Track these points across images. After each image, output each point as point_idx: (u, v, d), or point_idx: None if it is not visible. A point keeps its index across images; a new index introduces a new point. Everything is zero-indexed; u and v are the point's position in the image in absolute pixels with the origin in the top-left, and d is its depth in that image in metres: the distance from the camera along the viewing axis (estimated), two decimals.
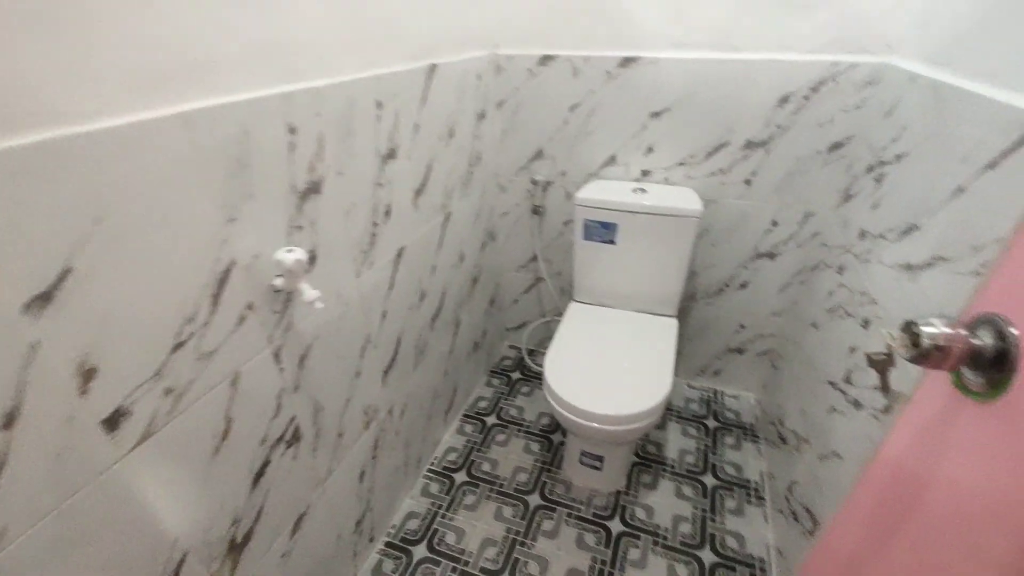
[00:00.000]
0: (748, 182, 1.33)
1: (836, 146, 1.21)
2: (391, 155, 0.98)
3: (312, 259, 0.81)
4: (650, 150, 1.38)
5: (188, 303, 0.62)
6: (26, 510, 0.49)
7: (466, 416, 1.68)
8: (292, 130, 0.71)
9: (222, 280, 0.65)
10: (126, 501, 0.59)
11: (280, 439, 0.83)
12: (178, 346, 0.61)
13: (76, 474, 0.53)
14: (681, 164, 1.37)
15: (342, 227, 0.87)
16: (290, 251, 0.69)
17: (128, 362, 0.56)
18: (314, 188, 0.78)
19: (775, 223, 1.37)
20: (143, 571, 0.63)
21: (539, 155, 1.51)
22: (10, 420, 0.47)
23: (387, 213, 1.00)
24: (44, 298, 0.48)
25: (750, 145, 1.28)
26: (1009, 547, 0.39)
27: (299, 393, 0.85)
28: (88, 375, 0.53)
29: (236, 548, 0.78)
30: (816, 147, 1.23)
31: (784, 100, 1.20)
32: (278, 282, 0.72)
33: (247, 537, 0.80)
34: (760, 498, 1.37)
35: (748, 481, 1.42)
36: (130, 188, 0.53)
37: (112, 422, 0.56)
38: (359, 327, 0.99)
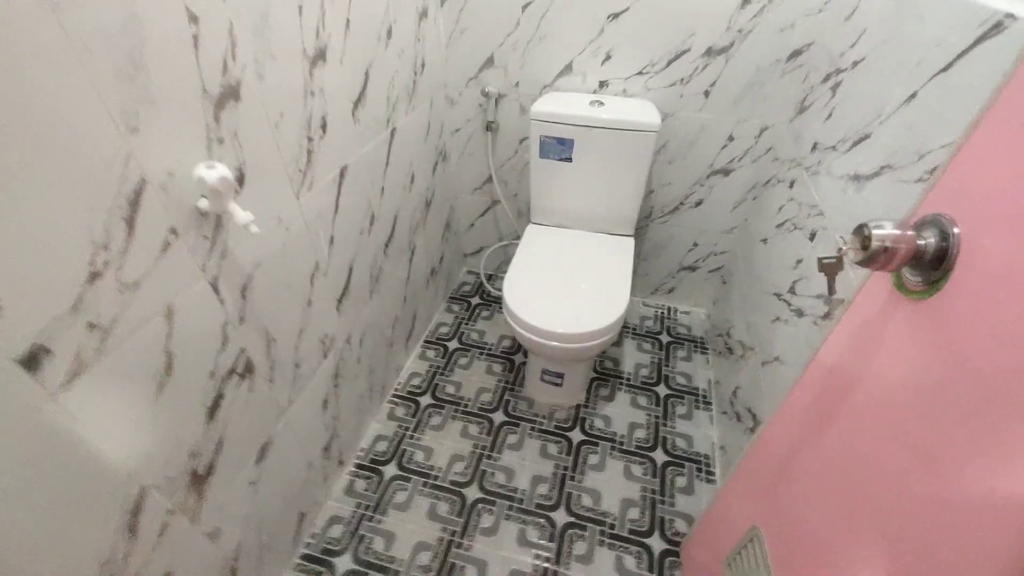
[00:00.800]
0: (707, 93, 1.29)
1: (795, 54, 1.18)
2: (320, 57, 0.86)
3: (240, 178, 0.73)
4: (608, 57, 1.30)
5: (97, 228, 0.54)
6: None
7: (428, 342, 1.69)
8: (193, 18, 0.60)
9: (133, 201, 0.57)
10: (63, 441, 0.55)
11: (231, 372, 0.80)
12: (94, 276, 0.55)
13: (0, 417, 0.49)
14: (640, 73, 1.31)
15: (271, 141, 0.78)
16: (211, 167, 0.61)
17: (35, 295, 0.50)
18: (231, 93, 0.68)
19: (731, 138, 1.35)
20: (101, 508, 0.61)
21: (490, 63, 1.39)
22: None
23: (323, 127, 0.91)
24: None
25: (711, 52, 1.22)
26: (927, 428, 0.43)
27: (246, 325, 0.81)
28: None
29: (199, 479, 0.77)
30: (776, 55, 1.19)
31: (747, 0, 1.13)
32: (203, 204, 0.64)
33: (209, 469, 0.79)
34: (707, 403, 1.48)
35: (697, 389, 1.53)
36: None
37: (32, 361, 0.51)
38: (305, 254, 0.94)
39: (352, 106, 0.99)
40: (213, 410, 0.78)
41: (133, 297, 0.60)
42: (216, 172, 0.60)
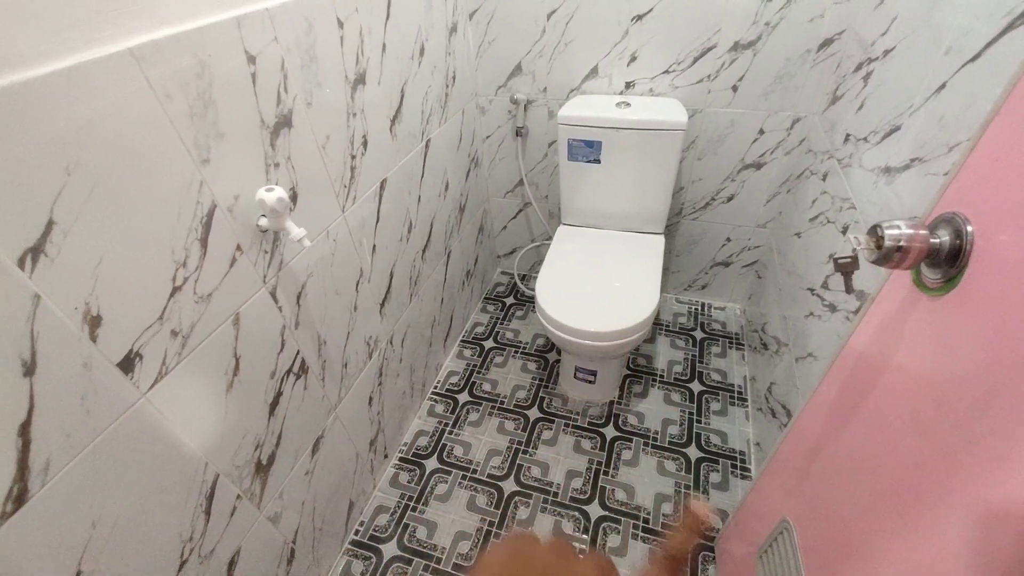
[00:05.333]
0: (735, 88, 1.29)
1: (826, 43, 1.16)
2: (360, 80, 0.93)
3: (294, 197, 0.81)
4: (633, 59, 1.32)
5: (178, 248, 0.63)
6: (64, 445, 0.53)
7: (464, 342, 1.75)
8: (251, 59, 0.68)
9: (207, 223, 0.65)
10: (154, 434, 0.64)
11: (289, 371, 0.88)
12: (176, 290, 0.63)
13: (103, 413, 0.57)
14: (666, 72, 1.32)
15: (319, 162, 0.86)
16: (270, 190, 0.68)
17: (131, 308, 0.59)
18: (284, 122, 0.76)
19: (762, 131, 1.34)
20: (183, 492, 0.70)
21: (518, 70, 1.43)
22: (30, 368, 0.50)
23: (364, 144, 0.98)
24: (35, 251, 0.49)
25: (737, 47, 1.22)
26: (941, 418, 0.44)
27: (301, 329, 0.89)
28: (95, 323, 0.55)
29: (263, 468, 0.86)
30: (806, 45, 1.18)
31: None
32: (263, 222, 0.72)
33: (271, 459, 0.88)
34: (743, 400, 1.48)
35: (732, 385, 1.52)
36: (95, 134, 0.52)
37: (127, 364, 0.59)
38: (351, 262, 1.01)
39: (390, 123, 1.06)
40: (274, 406, 0.86)
41: (207, 307, 0.68)
42: (274, 194, 0.68)
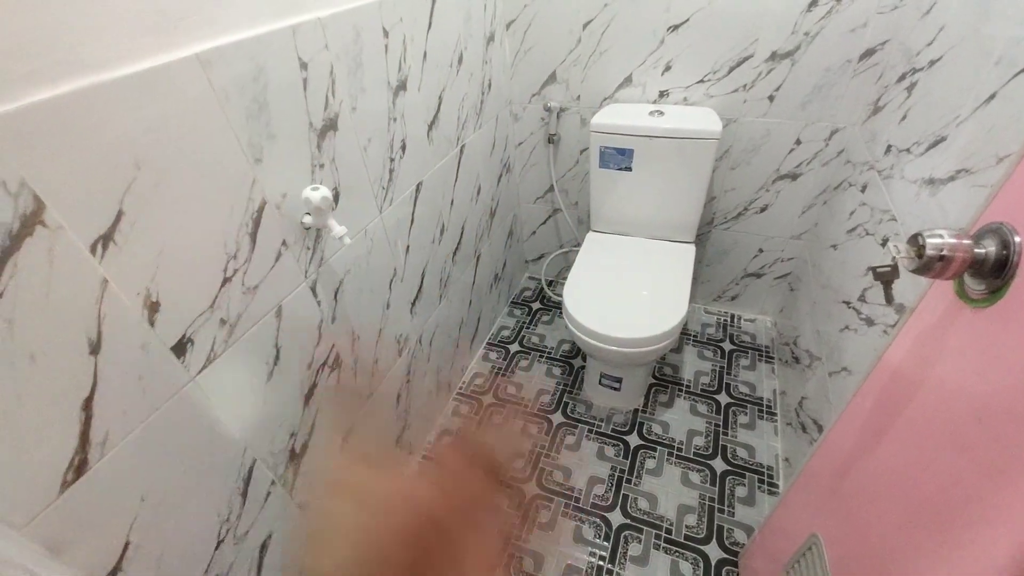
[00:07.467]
0: (771, 98, 1.27)
1: (868, 53, 1.14)
2: (402, 87, 0.97)
3: (336, 196, 0.85)
4: (668, 68, 1.32)
5: (230, 241, 0.66)
6: (121, 421, 0.57)
7: (490, 344, 1.77)
8: (303, 65, 0.72)
9: (257, 219, 0.69)
10: (200, 416, 0.67)
11: (324, 364, 0.91)
12: (226, 281, 0.67)
13: (157, 393, 0.61)
14: (701, 82, 1.31)
15: (361, 164, 0.89)
16: (316, 189, 0.72)
17: (186, 296, 0.62)
18: (331, 125, 0.80)
19: (799, 141, 1.32)
20: (223, 473, 0.73)
21: (552, 79, 1.46)
22: (95, 347, 0.54)
23: (403, 148, 1.01)
24: (106, 238, 0.53)
25: (775, 57, 1.21)
26: (983, 433, 0.43)
27: (336, 324, 0.92)
28: (154, 308, 0.59)
29: (296, 457, 0.89)
30: (847, 55, 1.16)
31: (813, 3, 1.12)
32: (307, 220, 0.76)
33: (304, 448, 0.91)
34: (772, 414, 1.44)
35: (761, 399, 1.49)
36: (162, 133, 0.56)
37: (180, 348, 0.63)
38: (386, 261, 1.04)
39: (427, 128, 1.09)
40: (308, 397, 0.89)
41: (253, 298, 0.72)
42: (319, 193, 0.71)
